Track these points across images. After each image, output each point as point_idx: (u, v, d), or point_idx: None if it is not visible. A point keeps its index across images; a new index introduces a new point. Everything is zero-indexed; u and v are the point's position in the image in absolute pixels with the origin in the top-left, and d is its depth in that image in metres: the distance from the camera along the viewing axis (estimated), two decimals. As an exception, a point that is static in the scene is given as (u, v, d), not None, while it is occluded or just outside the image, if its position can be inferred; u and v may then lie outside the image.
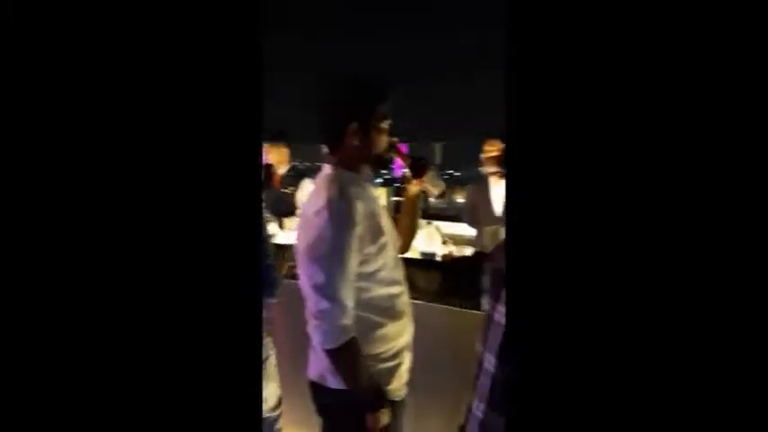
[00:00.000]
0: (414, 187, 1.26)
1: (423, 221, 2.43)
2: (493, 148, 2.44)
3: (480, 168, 2.58)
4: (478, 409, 0.62)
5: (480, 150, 2.52)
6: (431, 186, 1.25)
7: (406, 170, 1.28)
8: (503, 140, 2.39)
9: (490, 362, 0.61)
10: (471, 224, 2.69)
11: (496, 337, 0.60)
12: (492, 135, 2.47)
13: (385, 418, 1.05)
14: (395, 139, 1.17)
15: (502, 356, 0.59)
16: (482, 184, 2.61)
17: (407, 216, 1.30)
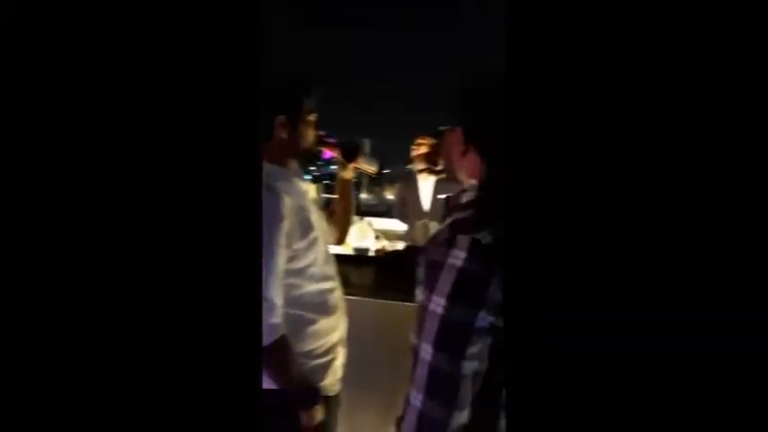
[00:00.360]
0: (348, 172, 1.25)
1: (355, 217, 2.43)
2: (424, 142, 2.48)
3: (409, 166, 2.62)
4: (416, 399, 0.62)
5: (409, 148, 2.56)
6: (366, 166, 1.25)
7: (336, 167, 1.27)
8: (433, 137, 2.44)
9: (426, 351, 0.61)
10: (402, 219, 2.74)
11: (432, 326, 0.61)
12: (422, 133, 2.52)
13: (319, 414, 1.03)
14: (322, 133, 1.17)
15: (438, 344, 0.60)
16: (411, 180, 2.66)
17: (342, 202, 1.29)
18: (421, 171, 2.53)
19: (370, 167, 1.26)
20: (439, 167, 2.41)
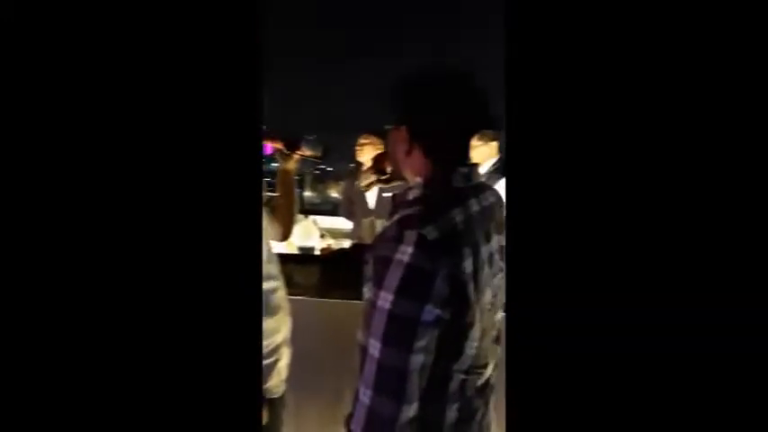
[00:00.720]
0: (290, 162, 1.21)
1: (300, 216, 2.38)
2: (366, 142, 2.44)
3: (357, 183, 2.59)
4: (365, 395, 0.62)
5: (354, 144, 2.54)
6: (310, 152, 1.22)
7: (277, 164, 1.24)
8: (378, 136, 2.42)
9: (375, 347, 0.61)
10: (348, 217, 2.72)
11: (380, 321, 0.61)
12: (365, 130, 2.50)
13: (263, 417, 1.01)
14: (263, 127, 1.14)
15: (386, 339, 0.60)
16: (356, 176, 2.64)
17: (284, 196, 1.24)
18: (370, 185, 2.46)
19: (315, 152, 1.23)
20: (386, 176, 2.35)
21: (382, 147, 2.41)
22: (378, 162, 2.36)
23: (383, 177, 2.37)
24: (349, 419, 0.64)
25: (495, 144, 2.45)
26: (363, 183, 2.44)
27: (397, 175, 0.81)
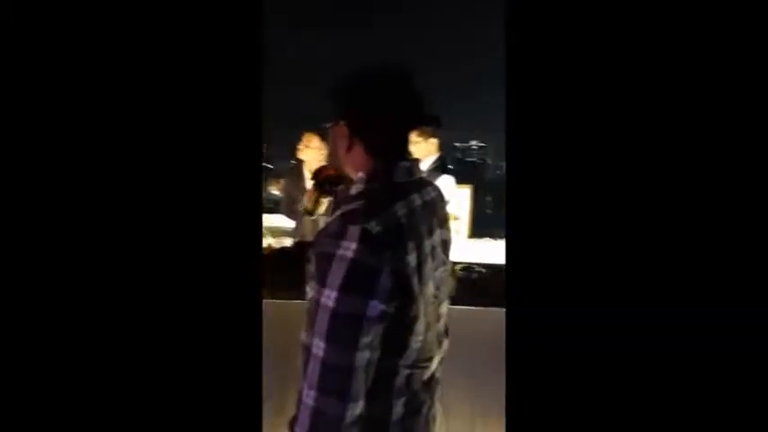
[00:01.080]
0: None
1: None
2: (310, 145, 2.39)
3: (293, 162, 2.53)
4: (309, 396, 0.60)
5: (294, 141, 2.49)
6: None
7: None
8: (320, 136, 2.37)
9: (318, 346, 0.60)
10: (289, 215, 2.66)
11: (324, 319, 0.59)
12: (308, 129, 2.46)
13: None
14: None
15: (330, 337, 0.59)
16: (297, 175, 2.60)
17: None
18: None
19: None
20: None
21: (324, 148, 2.37)
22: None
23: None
24: (293, 422, 0.62)
25: (434, 141, 2.49)
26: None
27: (339, 171, 0.79)
